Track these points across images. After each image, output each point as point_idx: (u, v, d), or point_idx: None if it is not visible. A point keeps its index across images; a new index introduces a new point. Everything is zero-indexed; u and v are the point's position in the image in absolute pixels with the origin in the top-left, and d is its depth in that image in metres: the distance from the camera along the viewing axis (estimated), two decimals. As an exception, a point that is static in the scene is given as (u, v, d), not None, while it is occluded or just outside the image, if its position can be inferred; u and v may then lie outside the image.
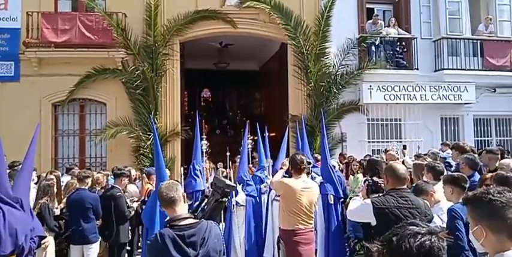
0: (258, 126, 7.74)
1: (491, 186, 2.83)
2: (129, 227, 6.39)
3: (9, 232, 2.75)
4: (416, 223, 1.63)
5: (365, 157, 8.89)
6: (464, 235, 3.41)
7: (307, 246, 4.83)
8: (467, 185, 3.86)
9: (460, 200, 3.81)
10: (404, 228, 1.60)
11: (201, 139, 7.95)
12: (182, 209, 2.85)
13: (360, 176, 7.64)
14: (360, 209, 3.58)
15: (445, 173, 4.95)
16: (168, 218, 2.91)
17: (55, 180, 6.04)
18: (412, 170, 5.47)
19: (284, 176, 5.42)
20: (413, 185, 4.65)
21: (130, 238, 6.52)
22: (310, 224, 4.87)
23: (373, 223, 3.32)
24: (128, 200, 6.31)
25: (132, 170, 7.34)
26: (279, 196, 5.05)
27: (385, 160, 7.42)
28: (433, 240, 1.54)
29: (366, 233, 4.06)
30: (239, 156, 9.59)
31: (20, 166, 6.96)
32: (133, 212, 6.21)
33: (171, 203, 2.80)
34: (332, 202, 6.34)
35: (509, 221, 1.75)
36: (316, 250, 5.61)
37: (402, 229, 1.60)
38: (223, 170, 8.53)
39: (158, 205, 4.33)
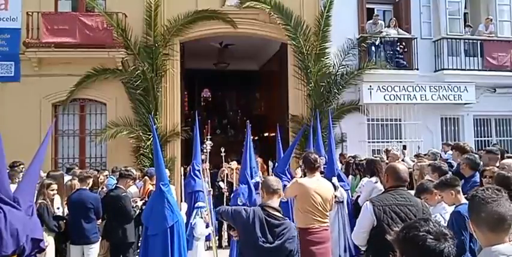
0: (249, 128, 7.74)
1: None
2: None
3: (10, 232, 2.74)
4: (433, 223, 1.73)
5: (354, 156, 8.82)
6: (467, 239, 3.40)
7: (321, 245, 4.72)
8: (461, 183, 3.88)
9: (463, 201, 3.80)
10: (422, 224, 1.71)
11: (206, 139, 7.97)
12: (277, 201, 3.31)
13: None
14: (360, 218, 3.53)
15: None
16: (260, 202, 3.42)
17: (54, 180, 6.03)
18: (419, 171, 5.51)
19: None
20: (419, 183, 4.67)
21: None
22: (325, 223, 4.80)
23: (375, 223, 3.34)
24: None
25: (132, 171, 7.33)
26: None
27: (386, 159, 7.44)
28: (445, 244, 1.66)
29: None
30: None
31: (20, 166, 7.00)
32: (138, 211, 6.20)
33: (273, 193, 3.27)
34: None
35: (483, 214, 1.83)
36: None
37: (420, 224, 1.72)
38: (233, 168, 8.48)
39: (157, 205, 4.35)
